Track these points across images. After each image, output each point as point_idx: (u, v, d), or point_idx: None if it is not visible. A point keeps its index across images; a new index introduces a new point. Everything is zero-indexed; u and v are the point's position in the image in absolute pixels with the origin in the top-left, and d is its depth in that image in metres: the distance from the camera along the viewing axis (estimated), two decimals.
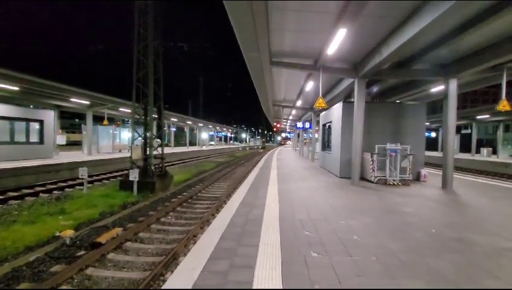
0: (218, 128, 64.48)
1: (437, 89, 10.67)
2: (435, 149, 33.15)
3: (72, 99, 16.90)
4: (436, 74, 8.40)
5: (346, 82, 10.44)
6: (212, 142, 69.72)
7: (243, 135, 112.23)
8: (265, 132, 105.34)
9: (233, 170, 19.62)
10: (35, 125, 15.55)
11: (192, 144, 52.57)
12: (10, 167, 11.34)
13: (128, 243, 5.76)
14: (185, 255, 3.34)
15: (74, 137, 42.26)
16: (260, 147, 75.62)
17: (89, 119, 20.50)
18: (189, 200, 9.61)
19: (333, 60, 8.27)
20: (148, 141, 11.23)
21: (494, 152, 27.17)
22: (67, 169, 13.89)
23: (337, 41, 6.30)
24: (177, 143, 52.52)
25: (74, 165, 13.86)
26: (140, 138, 11.37)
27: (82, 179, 10.21)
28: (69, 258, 5.01)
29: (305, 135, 29.16)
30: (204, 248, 3.36)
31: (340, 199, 6.66)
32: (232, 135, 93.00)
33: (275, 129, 56.26)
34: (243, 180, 9.75)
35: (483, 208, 6.05)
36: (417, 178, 9.84)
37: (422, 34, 5.21)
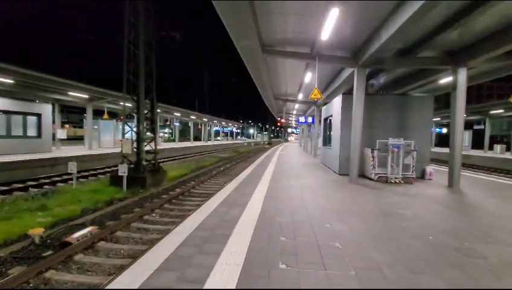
0: (224, 123, 64.07)
1: (446, 80, 9.90)
2: (447, 145, 31.95)
3: (70, 93, 16.70)
4: (444, 63, 7.65)
5: (346, 73, 9.78)
6: (218, 138, 69.54)
7: (250, 131, 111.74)
8: (273, 128, 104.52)
9: (234, 165, 19.20)
10: (33, 119, 15.43)
11: (197, 139, 52.43)
12: (3, 161, 11.18)
13: (101, 243, 5.39)
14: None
15: (81, 132, 42.61)
16: (267, 142, 75.14)
17: (89, 114, 20.37)
18: (180, 197, 9.22)
19: (330, 47, 7.64)
20: (140, 134, 10.87)
21: (509, 149, 25.84)
22: (63, 163, 13.70)
23: (331, 24, 5.69)
24: (184, 138, 52.49)
25: (71, 160, 13.66)
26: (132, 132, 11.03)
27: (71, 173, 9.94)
28: (33, 259, 4.68)
29: (311, 130, 28.41)
30: (156, 257, 2.91)
31: (332, 198, 6.11)
32: (239, 130, 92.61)
33: (279, 124, 55.54)
34: (237, 176, 9.27)
35: (491, 210, 5.40)
36: (422, 176, 9.17)
37: (424, 12, 4.57)
